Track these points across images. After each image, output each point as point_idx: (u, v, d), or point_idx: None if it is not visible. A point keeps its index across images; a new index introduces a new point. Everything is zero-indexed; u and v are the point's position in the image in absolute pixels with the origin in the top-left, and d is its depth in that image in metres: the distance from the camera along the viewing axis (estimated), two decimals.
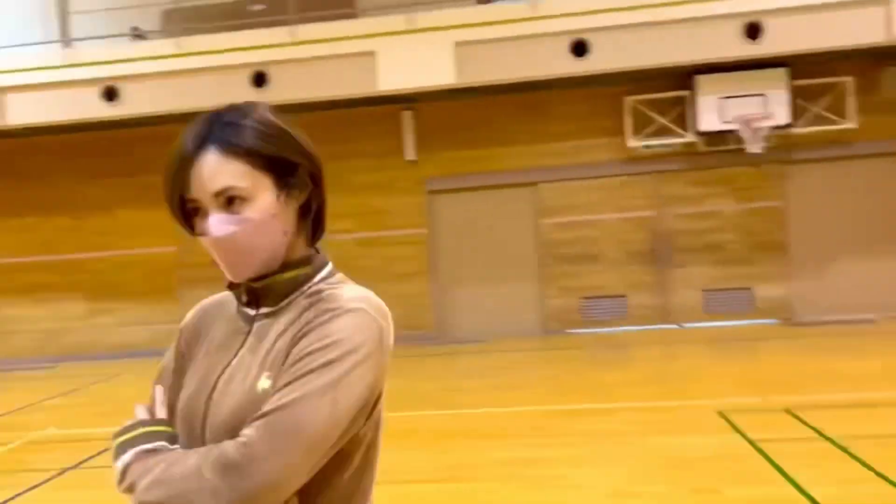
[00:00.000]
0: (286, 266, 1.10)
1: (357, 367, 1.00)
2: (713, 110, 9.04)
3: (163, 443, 1.05)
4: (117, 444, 1.07)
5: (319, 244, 1.17)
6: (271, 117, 1.08)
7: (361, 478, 1.09)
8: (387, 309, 1.09)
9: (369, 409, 1.05)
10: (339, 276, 1.15)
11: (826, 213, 9.54)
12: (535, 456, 4.58)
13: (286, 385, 0.98)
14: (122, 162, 10.17)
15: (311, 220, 1.13)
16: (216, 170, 1.02)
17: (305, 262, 1.12)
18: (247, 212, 1.03)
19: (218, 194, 1.03)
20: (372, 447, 1.10)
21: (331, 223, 1.18)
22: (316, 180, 1.11)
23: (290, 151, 1.07)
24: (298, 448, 0.95)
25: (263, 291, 1.10)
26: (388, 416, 1.15)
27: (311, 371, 0.98)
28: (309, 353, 1.00)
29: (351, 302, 1.05)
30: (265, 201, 1.04)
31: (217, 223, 1.03)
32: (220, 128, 1.04)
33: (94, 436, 5.47)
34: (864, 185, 9.51)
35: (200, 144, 1.03)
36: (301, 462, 0.96)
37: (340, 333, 1.01)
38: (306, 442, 0.96)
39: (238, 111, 1.07)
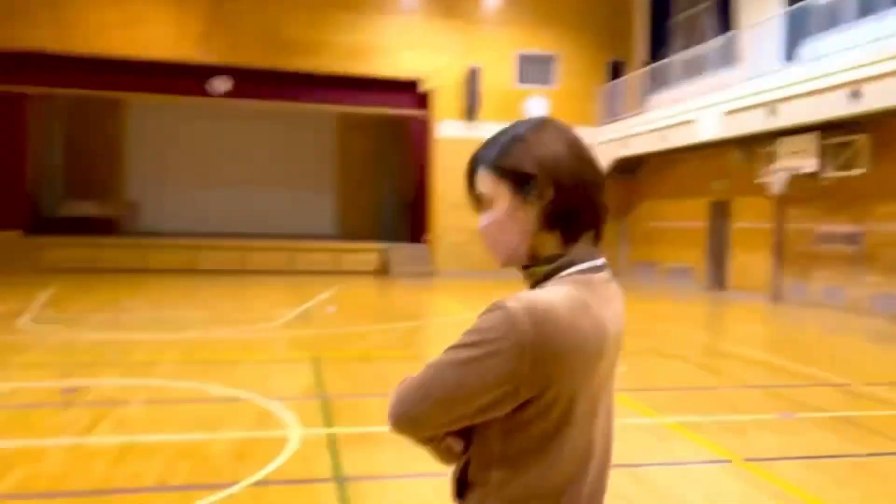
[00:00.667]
0: (535, 260, 1.30)
1: (486, 357, 1.16)
2: None
3: None
4: None
5: (585, 244, 1.30)
6: (530, 134, 1.28)
7: (534, 463, 1.22)
8: (556, 314, 1.17)
9: (509, 399, 1.18)
10: (572, 278, 1.26)
11: None
12: None
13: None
14: None
15: (565, 222, 1.27)
16: (477, 177, 1.32)
17: (548, 260, 1.28)
18: (490, 213, 1.30)
19: (478, 197, 1.32)
20: (547, 439, 1.21)
21: None
22: (560, 189, 1.25)
23: (527, 165, 1.25)
24: (423, 401, 1.22)
25: (524, 279, 1.32)
26: None
27: (451, 348, 1.21)
28: (463, 334, 1.21)
29: (511, 300, 1.18)
30: (502, 205, 1.29)
31: (480, 219, 1.33)
32: (487, 143, 1.33)
33: None
34: None
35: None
36: (423, 413, 1.23)
37: (483, 325, 1.19)
38: (430, 399, 1.21)
39: (509, 128, 1.33)
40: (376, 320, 11.38)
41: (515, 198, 1.27)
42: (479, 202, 1.34)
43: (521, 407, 1.19)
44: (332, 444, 4.85)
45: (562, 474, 1.23)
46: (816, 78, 11.76)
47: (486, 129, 19.32)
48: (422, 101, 19.80)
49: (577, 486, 1.24)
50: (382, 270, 19.27)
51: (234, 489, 4.00)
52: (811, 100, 11.98)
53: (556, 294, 1.21)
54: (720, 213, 16.53)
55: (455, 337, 1.24)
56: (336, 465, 4.43)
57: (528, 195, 1.26)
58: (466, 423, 1.23)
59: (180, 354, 7.74)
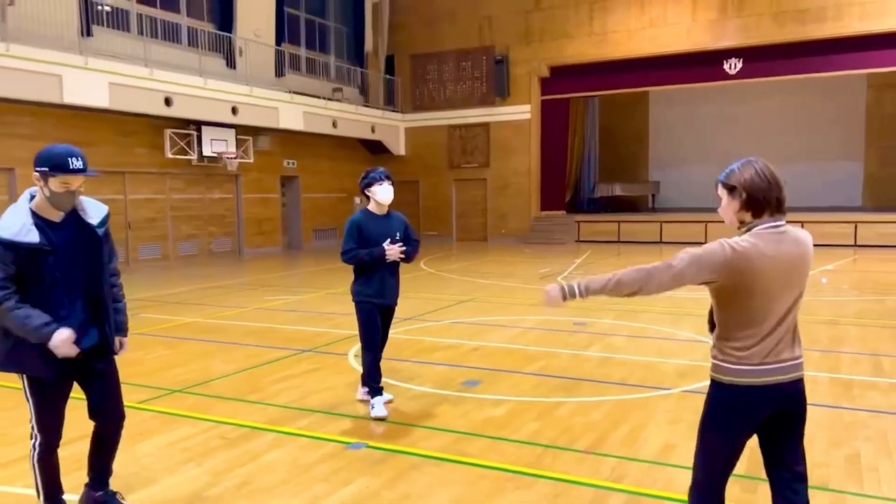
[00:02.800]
0: (741, 225, 2.55)
1: (700, 250, 2.48)
2: None
3: None
4: None
5: (768, 221, 2.50)
6: (737, 166, 2.53)
7: (732, 313, 2.51)
8: (743, 247, 2.43)
9: (707, 272, 2.46)
10: (753, 232, 2.48)
11: None
12: None
13: None
14: None
15: (751, 207, 2.50)
16: (719, 187, 2.59)
17: (744, 226, 2.53)
18: (722, 204, 2.57)
19: (719, 196, 2.59)
20: (734, 295, 2.47)
21: None
22: (747, 195, 2.48)
23: (735, 182, 2.51)
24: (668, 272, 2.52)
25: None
26: None
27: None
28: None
29: (725, 240, 2.46)
30: (725, 202, 2.54)
31: (720, 208, 2.60)
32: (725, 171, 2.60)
33: None
34: None
35: None
36: (670, 278, 2.51)
37: (708, 246, 2.46)
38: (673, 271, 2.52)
39: (731, 165, 2.58)
40: (863, 291, 11.10)
41: (730, 198, 2.55)
42: (720, 198, 2.58)
43: (723, 285, 2.49)
44: None
45: (745, 323, 2.48)
46: None
47: None
48: None
49: (756, 331, 2.48)
50: None
51: (668, 391, 5.60)
52: None
53: (741, 237, 2.49)
54: None
55: None
56: None
57: (734, 196, 2.53)
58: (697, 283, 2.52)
59: (663, 308, 9.54)
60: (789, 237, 2.50)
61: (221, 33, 18.11)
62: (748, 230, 2.51)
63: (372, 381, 5.10)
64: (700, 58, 19.86)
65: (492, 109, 22.73)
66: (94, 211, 3.21)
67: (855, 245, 17.89)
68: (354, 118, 21.54)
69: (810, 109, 22.58)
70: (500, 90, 22.36)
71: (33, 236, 2.97)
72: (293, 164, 20.90)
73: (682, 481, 3.87)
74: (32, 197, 3.10)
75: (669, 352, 7.05)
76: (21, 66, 12.71)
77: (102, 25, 15.38)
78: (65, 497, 3.36)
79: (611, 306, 9.52)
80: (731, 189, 2.52)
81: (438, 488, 3.83)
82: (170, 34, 17.14)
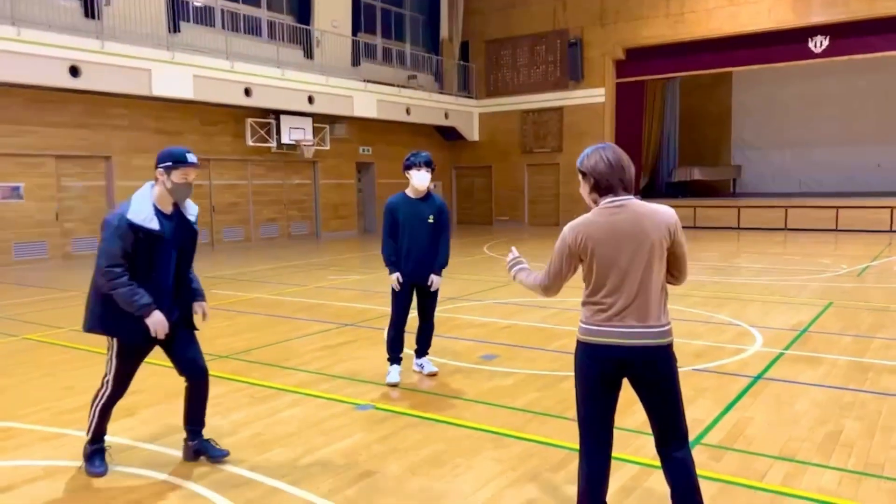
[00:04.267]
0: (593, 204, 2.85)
1: (556, 244, 2.86)
2: None
3: None
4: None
5: (609, 198, 2.76)
6: (587, 153, 2.82)
7: (586, 280, 2.81)
8: (576, 225, 2.78)
9: (569, 260, 2.81)
10: (594, 209, 2.79)
11: None
12: None
13: None
14: None
15: (597, 189, 2.78)
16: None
17: (595, 206, 2.81)
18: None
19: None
20: (584, 266, 2.80)
21: None
22: (593, 179, 2.75)
23: (584, 168, 2.79)
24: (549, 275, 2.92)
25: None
26: None
27: None
28: None
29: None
30: (581, 185, 2.84)
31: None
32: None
33: None
34: None
35: None
36: (552, 280, 2.90)
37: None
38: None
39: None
40: None
41: (583, 181, 2.82)
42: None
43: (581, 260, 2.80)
44: (775, 359, 6.00)
45: (592, 290, 2.78)
46: None
47: None
48: None
49: (599, 296, 2.75)
50: None
51: (681, 370, 5.74)
52: None
53: (581, 216, 2.79)
54: None
55: None
56: (762, 371, 5.66)
57: (586, 180, 2.80)
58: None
59: (711, 292, 9.49)
60: (626, 211, 2.71)
61: (300, 25, 18.96)
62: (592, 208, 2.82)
63: (389, 351, 5.52)
64: (783, 36, 19.09)
65: (565, 93, 22.66)
66: (191, 209, 3.88)
67: None
68: (428, 105, 22.02)
69: None
70: (574, 74, 22.25)
71: (154, 224, 3.58)
72: (368, 150, 21.63)
73: (653, 448, 4.10)
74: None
75: (696, 334, 7.11)
76: (115, 62, 13.90)
77: (189, 21, 16.49)
78: (106, 438, 3.96)
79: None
80: (582, 174, 2.81)
81: (423, 444, 4.21)
82: (251, 28, 18.13)
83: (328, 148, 19.77)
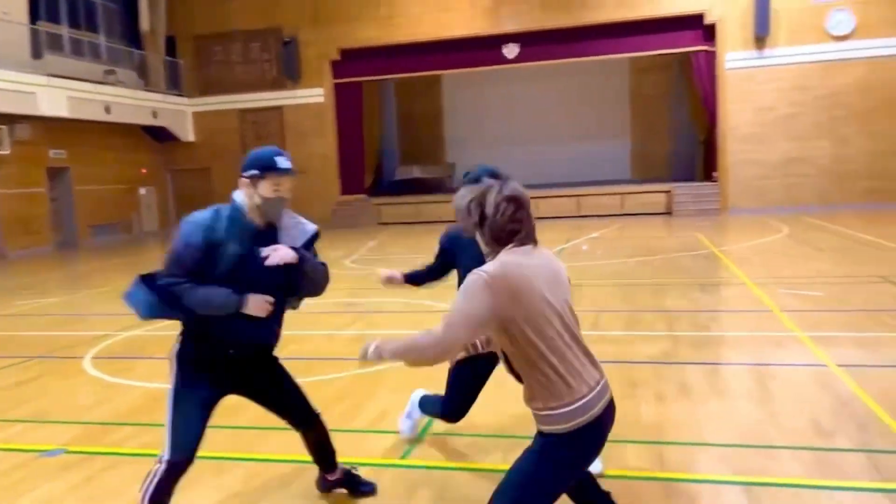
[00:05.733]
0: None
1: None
2: None
3: None
4: None
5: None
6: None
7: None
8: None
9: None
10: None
11: None
12: None
13: None
14: None
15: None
16: None
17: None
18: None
19: None
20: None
21: None
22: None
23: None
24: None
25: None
26: None
27: None
28: None
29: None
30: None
31: None
32: None
33: None
34: None
35: None
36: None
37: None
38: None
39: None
40: (618, 255, 12.31)
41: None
42: None
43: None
44: None
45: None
46: None
47: (780, 54, 18.31)
48: (709, 34, 19.26)
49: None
50: (669, 211, 19.57)
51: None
52: None
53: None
54: None
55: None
56: None
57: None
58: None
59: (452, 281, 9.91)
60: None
61: None
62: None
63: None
64: (482, 42, 20.74)
65: (285, 93, 22.22)
66: (298, 231, 2.99)
67: (623, 214, 19.70)
68: (131, 103, 20.05)
69: (582, 91, 24.42)
70: (291, 73, 21.90)
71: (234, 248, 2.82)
72: (62, 154, 19.04)
73: (380, 446, 4.03)
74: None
75: (426, 325, 7.31)
76: None
77: None
78: None
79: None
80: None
81: (128, 487, 3.66)
82: None
83: (8, 152, 16.98)
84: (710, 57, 19.34)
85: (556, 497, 2.31)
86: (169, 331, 7.33)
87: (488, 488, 3.37)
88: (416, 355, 2.33)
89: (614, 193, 20.21)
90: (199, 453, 4.04)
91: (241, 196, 2.87)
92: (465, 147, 25.83)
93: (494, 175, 3.57)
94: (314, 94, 22.07)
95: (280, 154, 2.85)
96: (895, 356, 5.33)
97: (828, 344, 5.64)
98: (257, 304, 2.83)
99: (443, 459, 3.82)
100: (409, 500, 3.42)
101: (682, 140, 22.62)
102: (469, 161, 25.63)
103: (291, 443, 4.02)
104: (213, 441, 4.20)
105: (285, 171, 2.82)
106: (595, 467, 3.63)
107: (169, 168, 23.35)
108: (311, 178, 22.11)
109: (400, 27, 21.13)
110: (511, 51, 20.73)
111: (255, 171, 2.80)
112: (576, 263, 11.32)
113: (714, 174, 19.58)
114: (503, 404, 4.61)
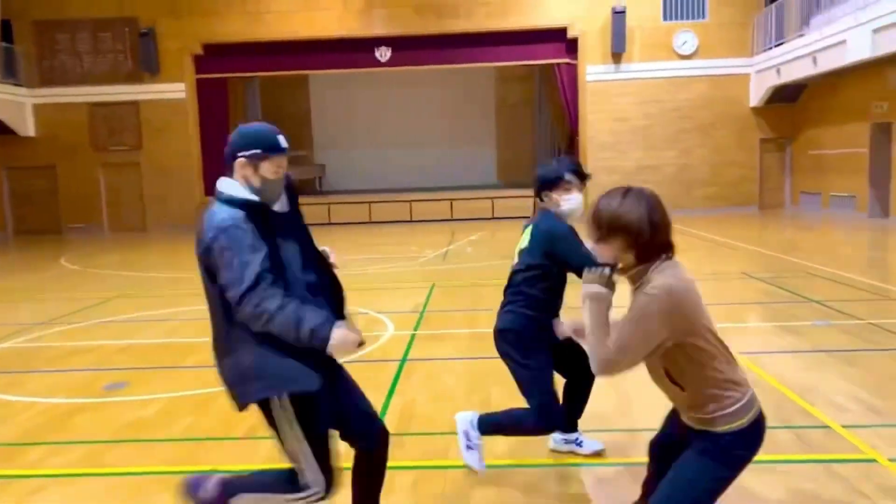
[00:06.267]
0: None
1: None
2: None
3: None
4: None
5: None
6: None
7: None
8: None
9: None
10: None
11: None
12: None
13: None
14: None
15: None
16: None
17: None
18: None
19: None
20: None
21: None
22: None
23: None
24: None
25: None
26: None
27: None
28: None
29: None
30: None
31: None
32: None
33: None
34: None
35: None
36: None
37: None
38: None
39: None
40: (499, 257, 12.74)
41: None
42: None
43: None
44: (410, 341, 6.41)
45: None
46: None
47: (635, 69, 19.75)
48: (571, 47, 20.35)
49: None
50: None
51: None
52: None
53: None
54: (882, 137, 15.56)
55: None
56: (404, 354, 5.98)
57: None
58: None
59: (367, 283, 9.75)
60: None
61: None
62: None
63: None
64: (354, 44, 20.58)
65: (141, 87, 20.80)
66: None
67: (493, 218, 20.35)
68: None
69: (451, 97, 24.97)
70: (148, 66, 20.53)
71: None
72: None
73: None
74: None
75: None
76: None
77: None
78: None
79: None
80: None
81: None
82: None
83: None
84: (572, 69, 20.46)
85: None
86: (56, 342, 6.67)
87: (461, 484, 3.41)
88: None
89: (485, 198, 20.81)
90: (134, 468, 3.76)
91: (230, 183, 2.52)
92: (335, 149, 25.54)
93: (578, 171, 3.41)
94: (174, 90, 20.85)
95: (279, 132, 2.59)
96: (782, 344, 5.97)
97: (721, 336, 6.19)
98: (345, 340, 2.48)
99: (407, 459, 3.80)
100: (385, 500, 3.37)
101: (545, 147, 23.75)
102: (339, 163, 25.38)
103: (235, 451, 3.83)
104: (149, 454, 3.91)
105: (286, 151, 2.56)
106: (595, 446, 3.76)
107: (4, 165, 21.10)
108: (172, 178, 20.90)
109: (268, 24, 20.49)
110: (383, 54, 20.77)
111: (257, 151, 2.48)
112: (464, 265, 11.57)
113: None
114: (451, 400, 4.66)
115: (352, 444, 2.70)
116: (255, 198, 2.47)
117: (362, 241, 16.05)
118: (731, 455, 2.25)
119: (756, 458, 2.90)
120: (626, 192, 2.27)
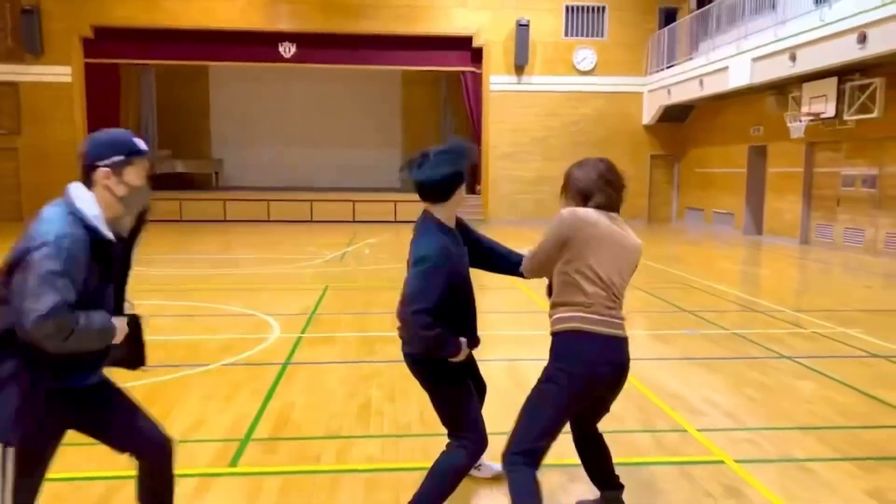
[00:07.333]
0: None
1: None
2: None
3: None
4: None
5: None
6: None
7: None
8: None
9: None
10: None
11: None
12: None
13: None
14: None
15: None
16: None
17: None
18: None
19: None
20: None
21: None
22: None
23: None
24: None
25: None
26: None
27: None
28: None
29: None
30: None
31: None
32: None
33: None
34: None
35: None
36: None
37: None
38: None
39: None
40: (396, 261, 12.76)
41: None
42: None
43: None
44: (296, 344, 6.30)
45: None
46: (830, 23, 11.90)
47: (536, 82, 20.30)
48: (476, 56, 20.67)
49: None
50: None
51: (211, 366, 5.52)
52: (826, 45, 12.14)
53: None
54: (758, 159, 16.71)
55: None
56: (288, 357, 5.88)
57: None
58: None
59: (222, 284, 9.45)
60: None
61: None
62: None
63: None
64: (257, 37, 20.10)
65: (22, 68, 19.48)
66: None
67: (396, 221, 20.35)
68: None
69: (357, 98, 24.78)
70: (31, 46, 19.26)
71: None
72: None
73: (204, 455, 3.82)
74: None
75: (216, 328, 6.97)
76: None
77: None
78: None
79: (160, 287, 9.05)
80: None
81: None
82: None
83: None
84: (477, 78, 20.80)
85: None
86: None
87: (329, 489, 3.39)
88: None
89: (388, 201, 20.78)
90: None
91: (86, 197, 2.36)
92: (236, 143, 24.80)
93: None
94: (60, 73, 19.66)
95: (135, 135, 2.49)
96: (654, 351, 6.29)
97: None
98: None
99: (277, 464, 3.74)
100: None
101: None
102: (237, 159, 24.65)
103: (104, 458, 3.64)
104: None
105: (148, 153, 2.47)
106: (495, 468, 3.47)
107: None
108: (54, 166, 19.64)
109: (164, 10, 19.68)
110: (287, 49, 20.38)
111: (119, 158, 2.37)
112: (361, 267, 11.51)
113: (478, 187, 21.06)
114: (330, 404, 4.62)
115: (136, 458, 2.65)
116: (102, 228, 2.32)
117: (258, 241, 15.66)
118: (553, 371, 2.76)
119: (617, 459, 3.04)
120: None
